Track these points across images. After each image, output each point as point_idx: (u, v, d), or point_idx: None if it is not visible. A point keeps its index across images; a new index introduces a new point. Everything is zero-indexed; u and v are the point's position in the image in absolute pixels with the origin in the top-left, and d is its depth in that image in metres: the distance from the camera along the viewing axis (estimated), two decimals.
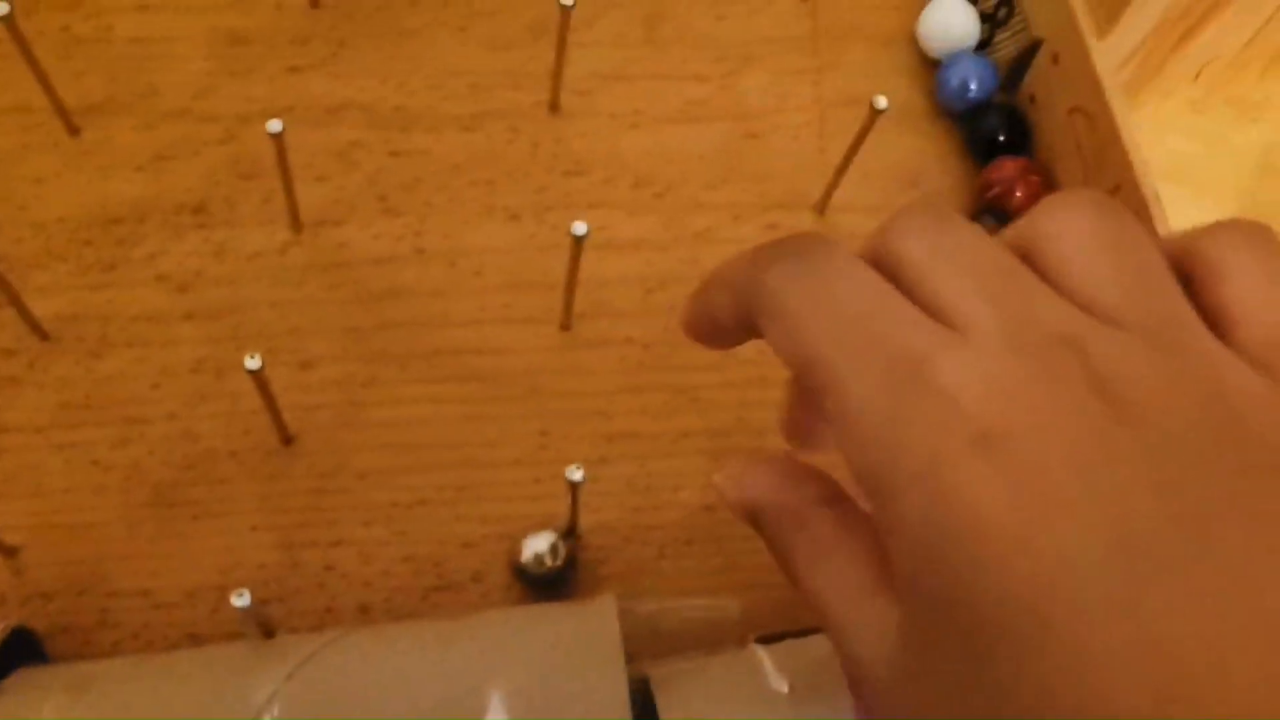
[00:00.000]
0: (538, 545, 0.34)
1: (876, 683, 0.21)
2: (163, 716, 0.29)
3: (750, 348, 0.24)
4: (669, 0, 0.44)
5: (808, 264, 0.22)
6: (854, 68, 0.43)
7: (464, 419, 0.37)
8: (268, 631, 0.31)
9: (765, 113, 0.42)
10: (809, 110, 0.43)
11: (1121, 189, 0.36)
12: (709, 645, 0.32)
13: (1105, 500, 0.18)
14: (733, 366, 0.37)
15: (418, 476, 0.36)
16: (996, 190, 0.39)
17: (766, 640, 0.31)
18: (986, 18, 0.42)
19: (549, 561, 0.34)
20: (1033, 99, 0.41)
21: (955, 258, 0.21)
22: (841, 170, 0.39)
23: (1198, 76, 0.41)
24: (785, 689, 0.30)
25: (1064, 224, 0.22)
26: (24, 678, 0.31)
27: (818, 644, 0.30)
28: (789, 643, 0.30)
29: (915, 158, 0.42)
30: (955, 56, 0.42)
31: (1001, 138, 0.41)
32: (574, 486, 0.31)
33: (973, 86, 0.41)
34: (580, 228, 0.33)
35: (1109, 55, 0.37)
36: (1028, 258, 0.22)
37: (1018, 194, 0.39)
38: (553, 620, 0.31)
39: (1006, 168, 0.39)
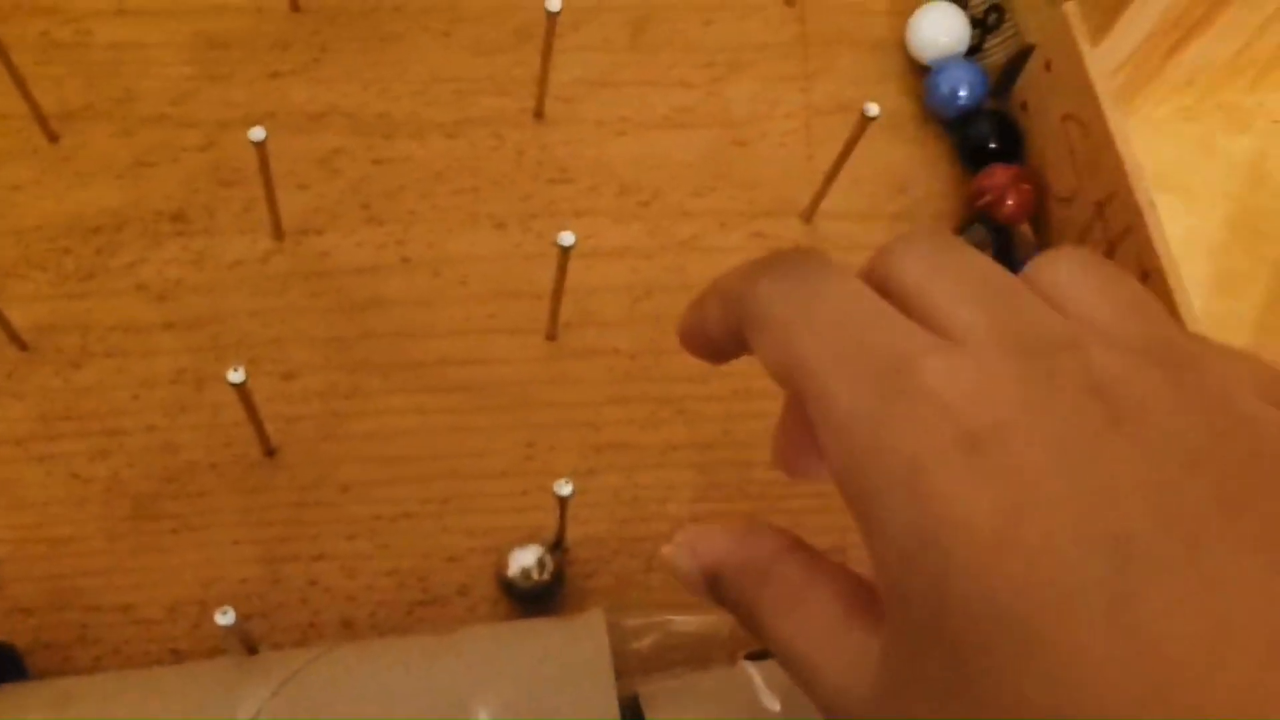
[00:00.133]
0: (525, 559, 0.33)
1: (857, 709, 0.20)
2: None
3: (737, 360, 0.24)
4: (655, 5, 0.43)
5: (798, 275, 0.22)
6: (842, 74, 0.43)
7: (449, 430, 0.36)
8: (250, 648, 0.30)
9: (753, 120, 0.42)
10: (797, 117, 0.42)
11: (1115, 196, 0.36)
12: (698, 661, 0.32)
13: (1097, 501, 0.18)
14: (718, 378, 0.37)
15: (402, 489, 0.35)
16: (988, 198, 0.39)
17: (756, 657, 0.30)
18: (977, 23, 0.42)
19: (536, 575, 0.33)
20: (1024, 106, 0.41)
21: (953, 273, 0.21)
22: (830, 178, 0.38)
23: (1190, 84, 0.41)
24: (777, 707, 0.29)
25: (1057, 260, 0.22)
26: (3, 694, 0.30)
27: None
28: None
29: (904, 165, 0.42)
30: (945, 63, 0.41)
31: (992, 145, 0.40)
32: (562, 501, 0.31)
33: (963, 93, 0.41)
34: (567, 238, 0.32)
35: (1102, 62, 0.37)
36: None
37: (1009, 201, 0.39)
38: (541, 635, 0.30)
39: (998, 175, 0.39)
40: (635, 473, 0.36)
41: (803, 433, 0.25)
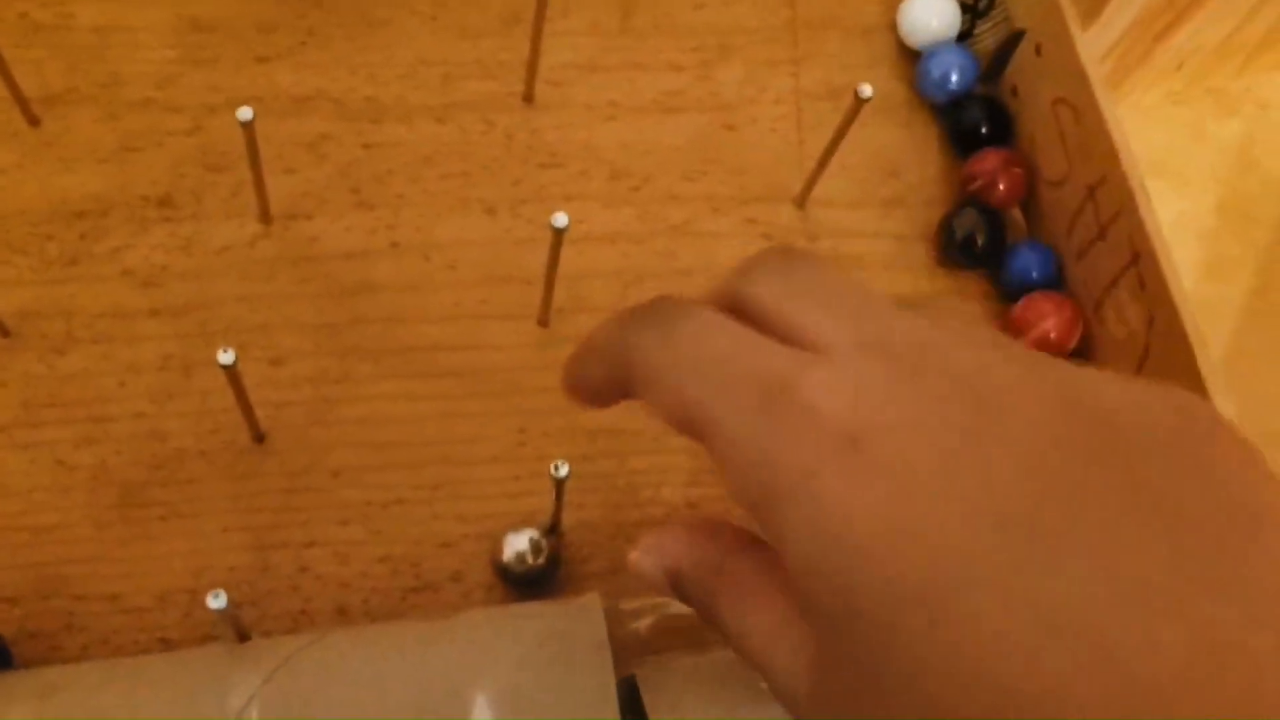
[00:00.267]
0: (519, 543, 0.33)
1: (802, 709, 0.21)
2: None
3: None
4: None
5: (665, 327, 0.23)
6: (833, 59, 0.43)
7: (440, 416, 0.36)
8: (242, 634, 0.30)
9: (743, 104, 0.42)
10: (787, 102, 0.42)
11: (1107, 180, 0.36)
12: (695, 643, 0.32)
13: (976, 482, 0.19)
14: None
15: (393, 474, 0.35)
16: (979, 182, 0.39)
17: None
18: (967, 9, 0.42)
19: (531, 560, 0.33)
20: (1014, 90, 0.41)
21: (806, 288, 0.23)
22: (823, 162, 0.38)
23: (1179, 68, 0.41)
24: None
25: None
26: None
27: None
28: None
29: (895, 150, 0.42)
30: (936, 47, 0.41)
31: (983, 129, 0.40)
32: (558, 483, 0.31)
33: (954, 78, 0.41)
34: (561, 219, 0.32)
35: (1092, 46, 0.37)
36: None
37: (1000, 186, 0.39)
38: (537, 619, 0.30)
39: (990, 159, 0.39)
40: (628, 458, 0.36)
41: None
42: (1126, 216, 0.35)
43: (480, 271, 0.38)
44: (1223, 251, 0.41)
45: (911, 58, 0.43)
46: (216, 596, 0.27)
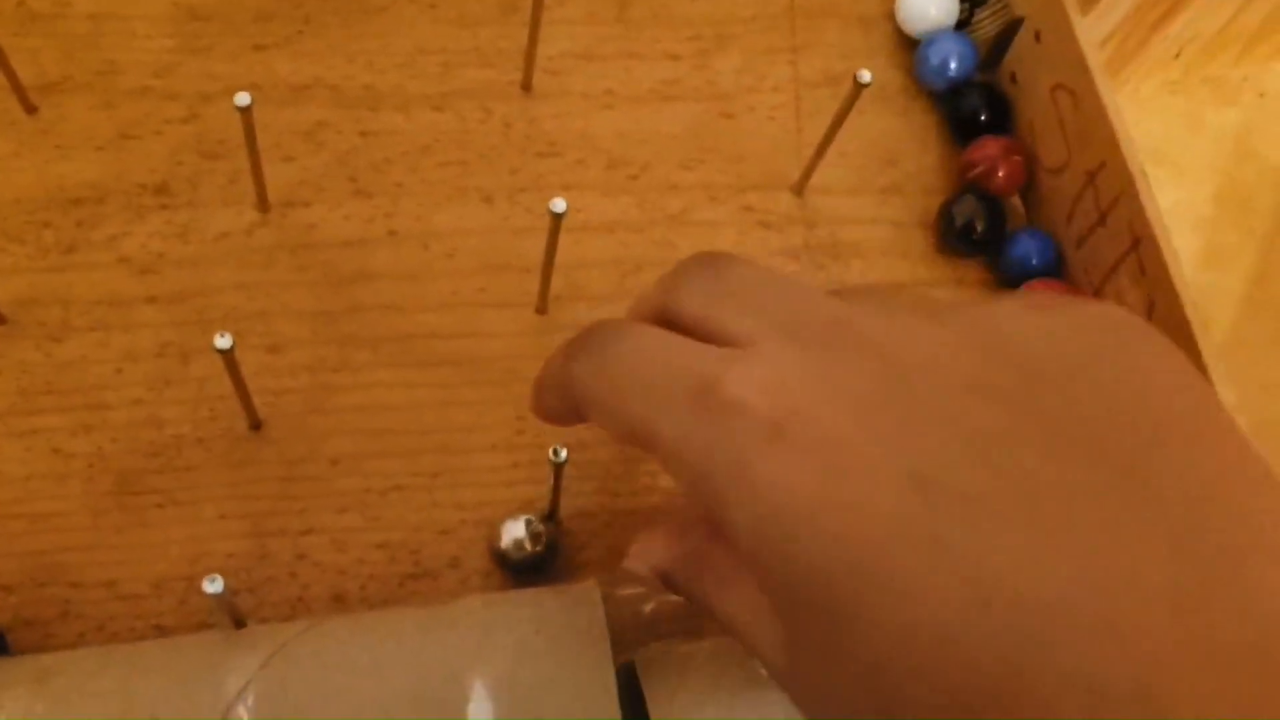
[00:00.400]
0: (517, 530, 0.33)
1: (786, 684, 0.22)
2: (130, 708, 0.28)
3: None
4: None
5: (599, 353, 0.25)
6: (831, 47, 0.43)
7: (438, 404, 0.36)
8: (238, 621, 0.30)
9: (741, 92, 0.42)
10: (785, 90, 0.42)
11: (1106, 166, 0.35)
12: (693, 629, 0.32)
13: (896, 446, 0.20)
14: None
15: (391, 462, 0.35)
16: (979, 170, 0.39)
17: None
18: None
19: (529, 546, 0.33)
20: (1013, 77, 0.41)
21: (728, 289, 0.24)
22: (822, 149, 0.38)
23: (1177, 56, 0.41)
24: None
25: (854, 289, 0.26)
26: None
27: None
28: None
29: (894, 137, 0.42)
30: (935, 35, 0.41)
31: (982, 117, 0.40)
32: (557, 468, 0.31)
33: (953, 65, 0.41)
34: (559, 204, 0.32)
35: (1091, 32, 0.37)
36: None
37: (1000, 173, 0.39)
38: (535, 605, 0.30)
39: (989, 147, 0.39)
40: (626, 445, 0.36)
41: None
42: (1126, 202, 0.35)
43: (478, 260, 0.38)
44: (1221, 240, 0.41)
45: (910, 46, 0.43)
46: (213, 581, 0.27)
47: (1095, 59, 0.36)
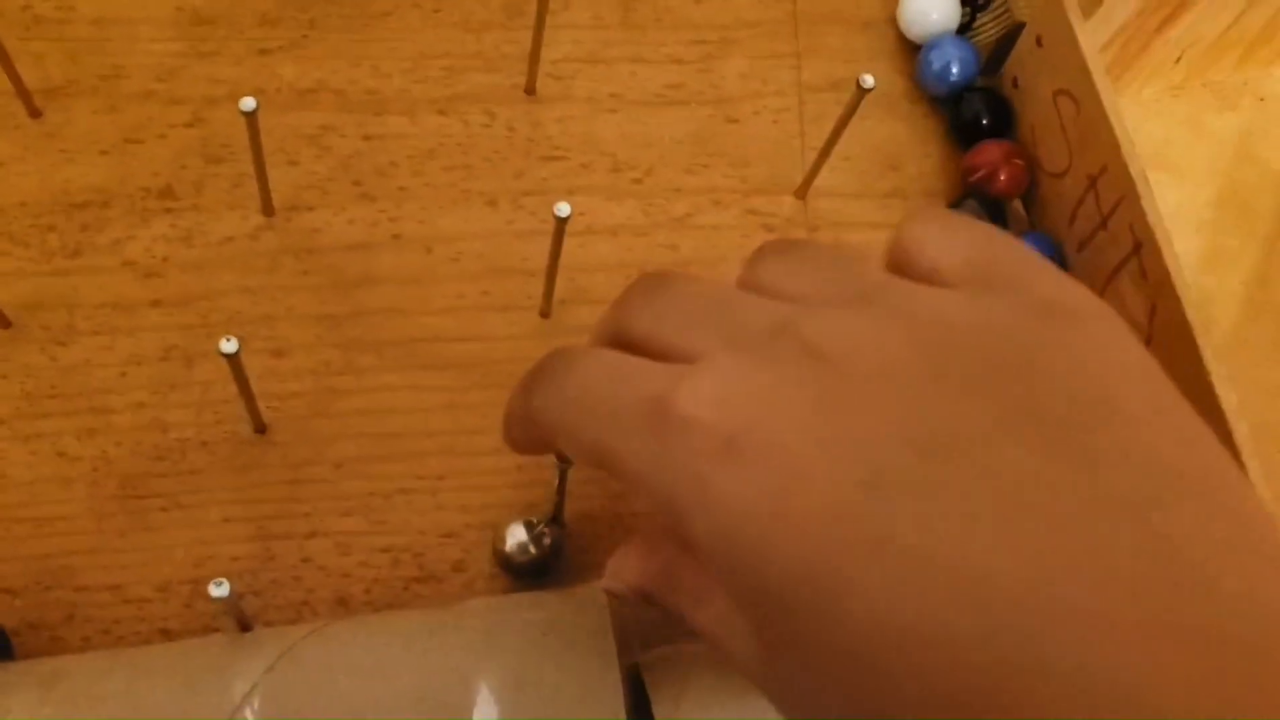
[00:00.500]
0: (522, 533, 0.33)
1: (766, 691, 0.22)
2: (137, 711, 0.28)
3: None
4: None
5: (554, 383, 0.25)
6: (834, 52, 0.43)
7: (443, 407, 0.36)
8: (244, 625, 0.30)
9: (744, 97, 0.42)
10: (788, 94, 0.42)
11: (1108, 170, 0.36)
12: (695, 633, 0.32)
13: (847, 449, 0.20)
14: None
15: (396, 465, 0.35)
16: (981, 174, 0.39)
17: None
18: (967, 1, 0.42)
19: (534, 550, 0.33)
20: (1015, 82, 0.41)
21: (673, 307, 0.25)
22: (825, 153, 0.38)
23: (1178, 61, 0.41)
24: None
25: (763, 256, 0.26)
26: None
27: None
28: None
29: (896, 142, 0.42)
30: (937, 40, 0.41)
31: (984, 121, 0.40)
32: (561, 472, 0.31)
33: (954, 70, 0.41)
34: (564, 209, 0.32)
35: (1092, 37, 0.37)
36: (745, 287, 0.25)
37: (1002, 177, 0.39)
38: (540, 608, 0.30)
39: (991, 151, 0.39)
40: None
41: None
42: (1128, 206, 0.35)
43: (482, 263, 0.38)
44: (1221, 243, 0.41)
45: (912, 50, 0.43)
46: (219, 585, 0.27)
47: (1097, 64, 0.36)
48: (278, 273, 0.37)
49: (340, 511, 0.34)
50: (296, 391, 0.36)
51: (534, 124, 0.40)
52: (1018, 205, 0.41)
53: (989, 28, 0.41)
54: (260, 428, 0.35)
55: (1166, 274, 0.34)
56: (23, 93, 0.38)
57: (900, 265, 0.25)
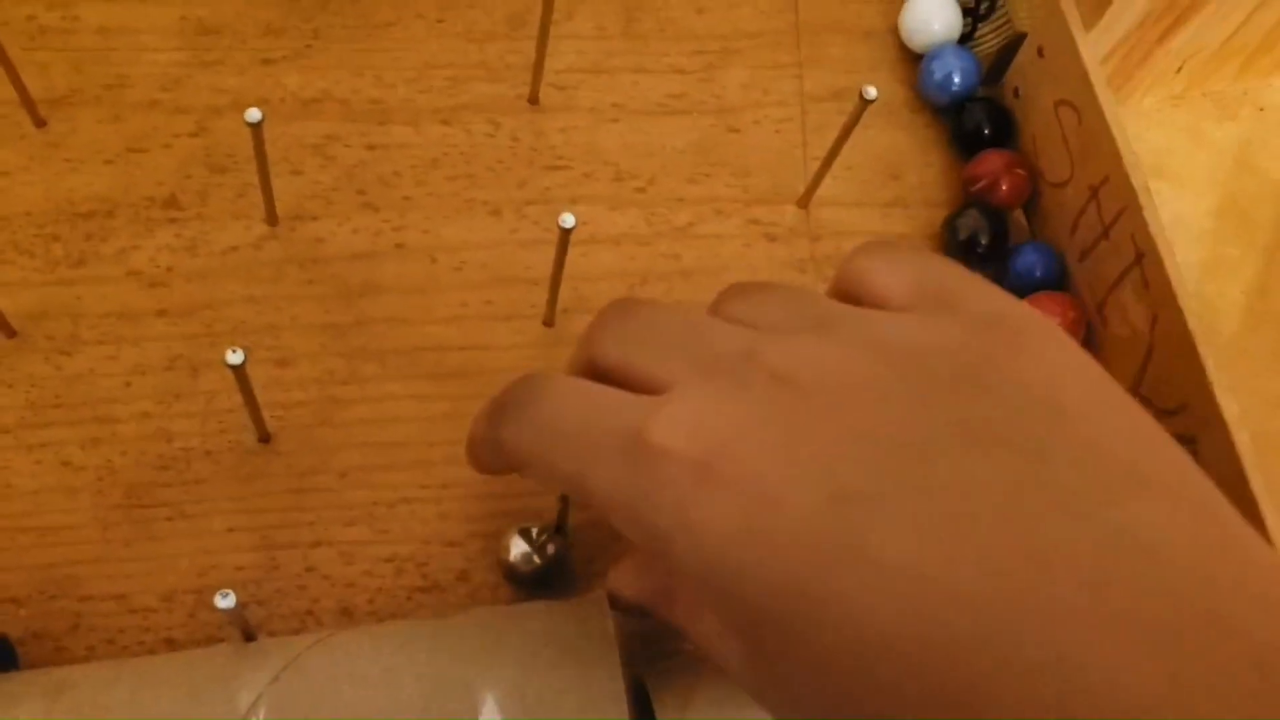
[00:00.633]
0: (525, 543, 0.33)
1: (756, 699, 0.23)
2: None
3: None
4: None
5: (523, 413, 0.26)
6: (835, 61, 0.43)
7: (447, 416, 0.36)
8: (248, 634, 0.30)
9: (746, 106, 0.42)
10: (790, 104, 0.42)
11: (1110, 181, 0.36)
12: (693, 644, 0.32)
13: (813, 468, 0.21)
14: None
15: (400, 475, 0.35)
16: (982, 184, 0.39)
17: None
18: (968, 12, 0.42)
19: (538, 559, 0.33)
20: (1016, 92, 0.41)
21: (643, 336, 0.25)
22: (827, 163, 0.38)
23: (1179, 71, 0.41)
24: None
25: (731, 292, 0.27)
26: None
27: None
28: None
29: (897, 151, 0.42)
30: (938, 49, 0.41)
31: (986, 131, 0.40)
32: None
33: (956, 80, 0.41)
34: (568, 220, 0.32)
35: (1093, 48, 0.37)
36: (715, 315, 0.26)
37: (1003, 187, 0.39)
38: (544, 618, 0.30)
39: (992, 161, 0.39)
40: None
41: None
42: (1129, 216, 0.35)
43: (486, 273, 0.38)
44: (1222, 253, 0.41)
45: (913, 60, 0.43)
46: (225, 596, 0.27)
47: (1098, 74, 0.36)
48: (282, 282, 0.37)
49: (344, 521, 0.34)
50: (301, 401, 0.36)
51: (537, 134, 0.41)
52: (1019, 215, 0.41)
53: (990, 38, 0.42)
54: (264, 437, 0.35)
55: (1168, 284, 0.34)
56: (27, 102, 0.38)
57: (850, 296, 0.26)
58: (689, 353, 0.24)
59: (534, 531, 0.33)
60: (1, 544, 0.33)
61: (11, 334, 0.35)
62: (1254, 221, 0.42)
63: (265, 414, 0.34)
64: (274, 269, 0.37)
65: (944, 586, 0.19)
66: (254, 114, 0.32)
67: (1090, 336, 0.38)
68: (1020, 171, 0.39)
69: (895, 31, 0.43)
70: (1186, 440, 0.33)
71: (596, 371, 0.26)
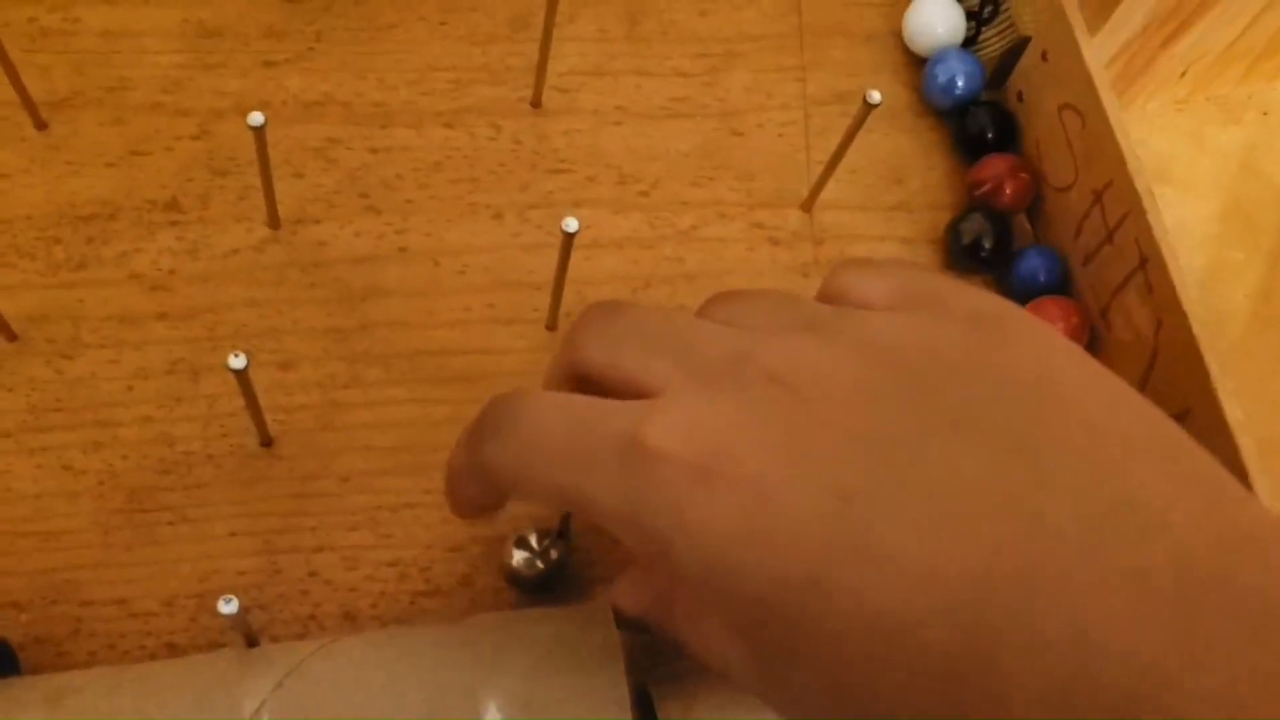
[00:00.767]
0: (528, 548, 0.33)
1: (761, 699, 0.23)
2: None
3: None
4: None
5: (506, 432, 0.25)
6: (839, 65, 0.43)
7: (449, 420, 0.36)
8: (250, 640, 0.30)
9: (750, 110, 0.42)
10: (794, 107, 0.42)
11: (1114, 185, 0.36)
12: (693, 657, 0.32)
13: (812, 465, 0.21)
14: None
15: (402, 479, 0.35)
16: (986, 187, 0.39)
17: None
18: (972, 16, 0.42)
19: (541, 564, 0.33)
20: (1020, 96, 0.41)
21: (630, 338, 0.25)
22: (830, 167, 0.38)
23: (1183, 75, 0.41)
24: None
25: (718, 298, 0.27)
26: None
27: None
28: None
29: (901, 155, 0.42)
30: (942, 53, 0.41)
31: (989, 135, 0.40)
32: None
33: (960, 83, 0.41)
34: (571, 224, 0.32)
35: (1098, 52, 0.37)
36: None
37: (1007, 191, 0.39)
38: (547, 624, 0.30)
39: (996, 165, 0.39)
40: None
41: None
42: (1134, 220, 0.35)
43: (489, 276, 0.38)
44: (1226, 257, 0.41)
45: (917, 64, 0.43)
46: (229, 602, 0.27)
47: (1102, 78, 0.36)
48: (284, 286, 0.37)
49: (347, 525, 0.34)
50: (303, 405, 0.36)
51: (540, 137, 0.40)
52: (1023, 219, 0.41)
53: (994, 42, 0.42)
54: (266, 441, 0.35)
55: (1172, 289, 0.34)
56: (29, 105, 0.38)
57: (836, 303, 0.26)
58: (679, 355, 0.24)
59: (536, 536, 0.33)
60: (2, 548, 0.33)
61: (12, 337, 0.35)
62: (1258, 226, 0.42)
63: (267, 418, 0.34)
64: (276, 272, 0.37)
65: (954, 572, 0.19)
66: (256, 117, 0.32)
67: (1094, 341, 0.38)
68: (1024, 176, 0.39)
69: (899, 35, 0.43)
70: None
71: (580, 375, 0.26)
